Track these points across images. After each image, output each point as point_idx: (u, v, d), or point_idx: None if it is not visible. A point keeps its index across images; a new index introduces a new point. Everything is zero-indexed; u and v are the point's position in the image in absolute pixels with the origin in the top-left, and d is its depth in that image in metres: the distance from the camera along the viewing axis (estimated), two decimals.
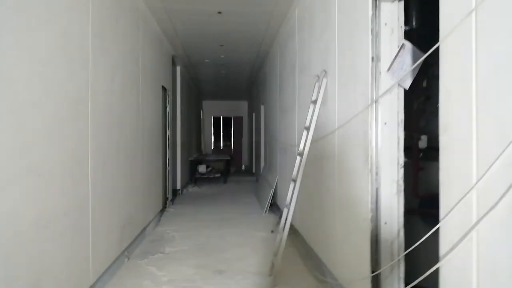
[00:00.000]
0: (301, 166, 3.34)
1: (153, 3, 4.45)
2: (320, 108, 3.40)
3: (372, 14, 2.36)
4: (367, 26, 2.39)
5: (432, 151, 2.61)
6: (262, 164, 9.10)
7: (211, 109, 15.56)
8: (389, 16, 2.38)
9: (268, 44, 6.49)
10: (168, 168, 6.89)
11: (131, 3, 4.08)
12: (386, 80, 2.38)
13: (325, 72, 3.29)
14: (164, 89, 6.51)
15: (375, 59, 2.37)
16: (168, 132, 6.91)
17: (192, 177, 10.14)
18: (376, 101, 2.38)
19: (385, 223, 2.38)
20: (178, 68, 8.37)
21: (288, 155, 5.18)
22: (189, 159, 10.04)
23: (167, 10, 4.66)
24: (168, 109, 6.96)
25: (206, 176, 10.44)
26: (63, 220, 2.44)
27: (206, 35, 5.92)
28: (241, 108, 15.61)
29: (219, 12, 4.67)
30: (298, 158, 3.53)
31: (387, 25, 2.37)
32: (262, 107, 9.32)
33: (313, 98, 3.52)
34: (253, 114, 12.06)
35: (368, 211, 2.41)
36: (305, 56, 4.13)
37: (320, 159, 3.46)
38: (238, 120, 15.77)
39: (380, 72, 2.38)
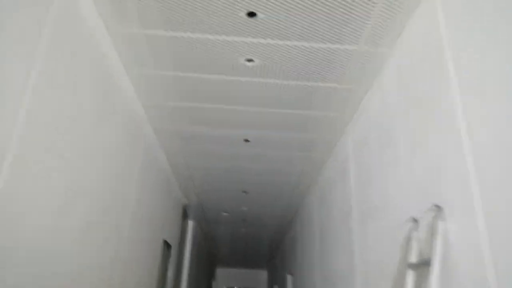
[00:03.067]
0: None
1: (161, 124, 3.40)
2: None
3: None
4: None
5: None
6: None
7: (225, 278, 13.39)
8: None
9: (303, 192, 5.21)
10: None
11: (128, 110, 3.03)
12: None
13: (439, 208, 1.82)
14: (167, 245, 5.01)
15: None
16: None
17: None
18: None
19: None
20: (190, 223, 7.00)
21: None
22: None
23: (181, 136, 3.58)
24: (169, 273, 5.29)
25: None
26: None
27: (227, 175, 4.73)
28: (259, 278, 13.36)
29: (247, 140, 3.55)
30: None
31: None
32: (288, 277, 7.38)
33: (412, 260, 1.95)
34: None
35: None
36: (374, 192, 2.73)
37: None
38: None
39: None
